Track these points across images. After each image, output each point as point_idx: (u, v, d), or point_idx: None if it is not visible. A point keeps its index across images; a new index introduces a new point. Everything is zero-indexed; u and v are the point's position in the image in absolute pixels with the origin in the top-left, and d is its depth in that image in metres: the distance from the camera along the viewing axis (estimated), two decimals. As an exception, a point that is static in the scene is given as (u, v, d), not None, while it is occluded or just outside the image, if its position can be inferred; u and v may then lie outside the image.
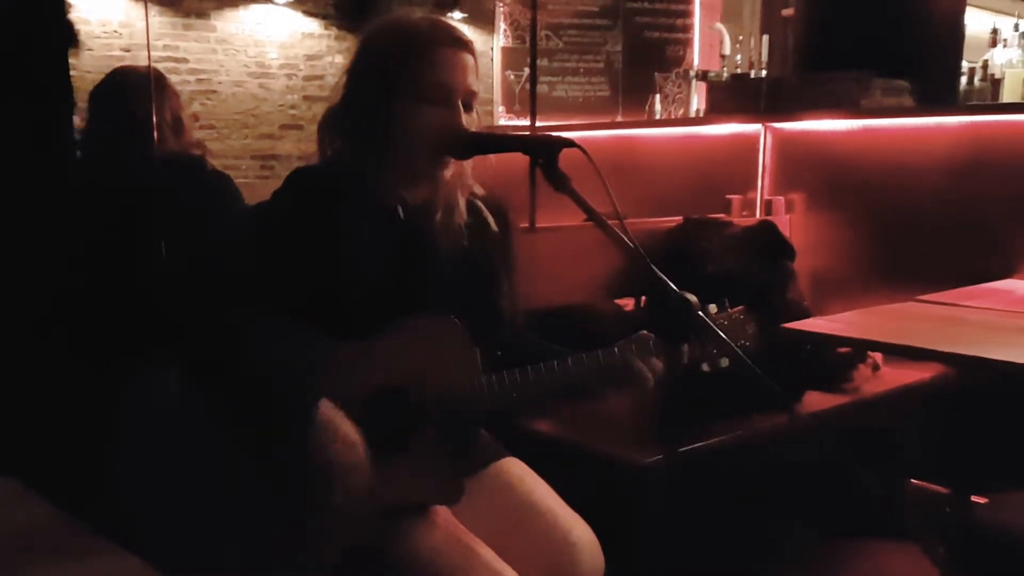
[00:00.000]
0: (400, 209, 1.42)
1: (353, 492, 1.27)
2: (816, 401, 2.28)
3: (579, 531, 1.43)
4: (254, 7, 5.13)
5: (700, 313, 1.26)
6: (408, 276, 1.41)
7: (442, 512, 1.36)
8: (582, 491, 1.50)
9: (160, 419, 1.36)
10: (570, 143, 1.28)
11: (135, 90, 2.24)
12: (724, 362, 1.42)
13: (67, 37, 1.80)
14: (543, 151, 1.30)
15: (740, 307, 1.45)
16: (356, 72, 1.44)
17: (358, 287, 1.36)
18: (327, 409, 1.27)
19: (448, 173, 1.44)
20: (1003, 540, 1.74)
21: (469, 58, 1.41)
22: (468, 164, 1.47)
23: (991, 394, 2.07)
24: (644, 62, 5.52)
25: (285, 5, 5.20)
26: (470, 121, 1.41)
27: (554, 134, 1.32)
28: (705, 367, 1.44)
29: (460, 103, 1.40)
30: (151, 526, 1.27)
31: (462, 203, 1.47)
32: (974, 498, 2.08)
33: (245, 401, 1.29)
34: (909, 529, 2.33)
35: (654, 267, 1.22)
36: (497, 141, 1.43)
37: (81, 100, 2.21)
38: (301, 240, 1.35)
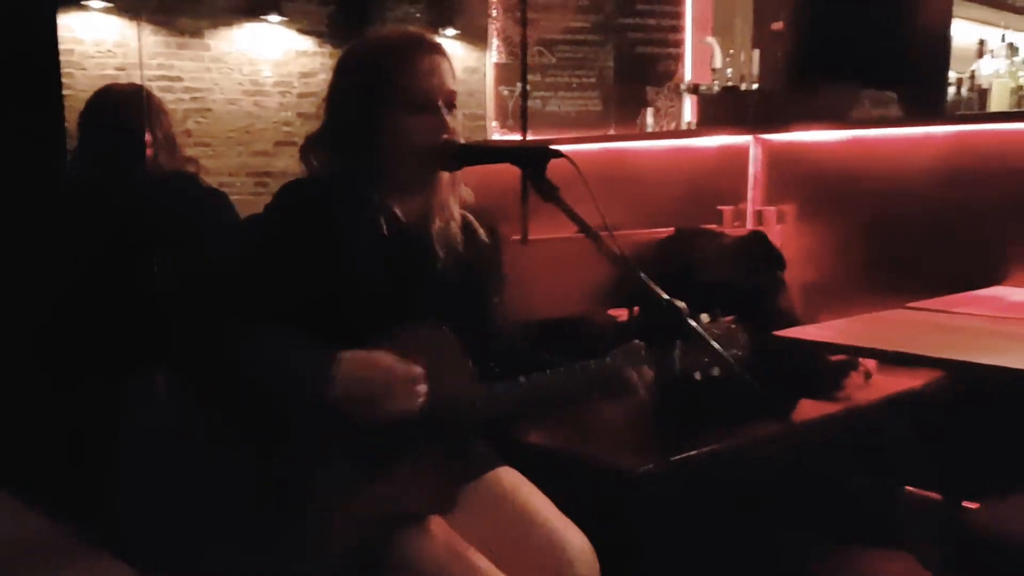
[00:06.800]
0: (392, 220, 1.44)
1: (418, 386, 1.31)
2: (809, 409, 2.29)
3: (574, 540, 1.43)
4: (248, 25, 5.15)
5: (689, 319, 1.28)
6: (402, 286, 1.42)
7: (438, 522, 1.36)
8: (577, 500, 1.51)
9: (156, 427, 1.36)
10: (557, 153, 1.30)
11: (122, 106, 2.24)
12: (715, 371, 1.44)
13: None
14: (531, 161, 1.32)
15: (731, 316, 1.47)
16: (337, 92, 1.47)
17: (352, 297, 1.37)
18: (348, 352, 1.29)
19: (441, 184, 1.46)
20: (997, 546, 1.75)
21: (443, 60, 1.44)
22: (459, 175, 1.49)
23: (983, 399, 2.08)
24: (636, 77, 5.54)
25: (279, 24, 5.22)
26: (454, 121, 1.43)
27: (541, 145, 1.34)
28: (697, 376, 1.46)
29: (442, 104, 1.42)
30: (147, 532, 1.27)
31: (457, 214, 1.49)
32: (967, 504, 2.09)
33: (263, 380, 1.29)
34: (903, 535, 2.33)
35: (641, 273, 1.24)
36: (486, 152, 1.46)
37: (76, 119, 2.23)
38: (294, 251, 1.36)
